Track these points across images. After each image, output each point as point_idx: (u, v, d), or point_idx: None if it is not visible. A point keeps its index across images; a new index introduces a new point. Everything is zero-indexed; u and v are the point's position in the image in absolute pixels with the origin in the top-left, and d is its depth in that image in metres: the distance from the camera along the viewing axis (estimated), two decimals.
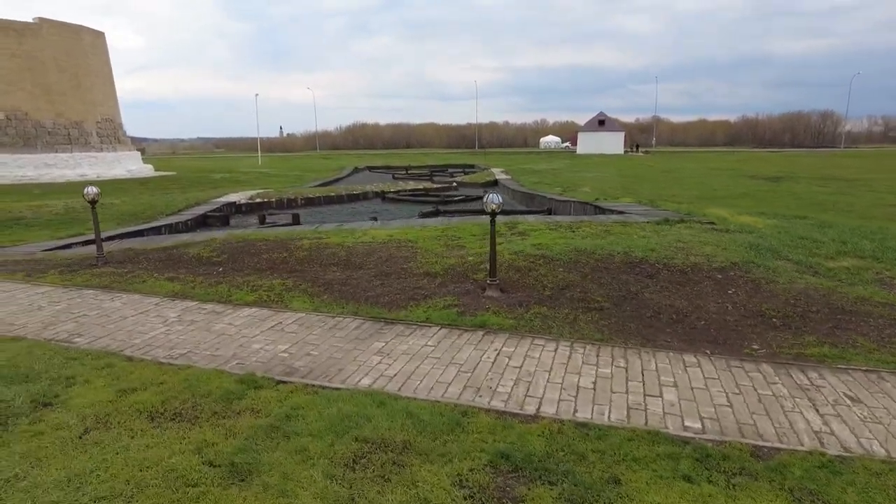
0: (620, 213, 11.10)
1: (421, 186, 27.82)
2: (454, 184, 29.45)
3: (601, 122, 72.55)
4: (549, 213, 15.61)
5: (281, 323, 5.51)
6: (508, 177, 30.87)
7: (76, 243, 11.45)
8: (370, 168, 47.07)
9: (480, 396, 3.99)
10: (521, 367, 4.48)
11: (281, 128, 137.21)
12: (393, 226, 10.05)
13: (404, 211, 20.03)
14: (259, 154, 56.83)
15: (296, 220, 15.86)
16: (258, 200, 19.74)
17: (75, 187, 24.92)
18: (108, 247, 9.37)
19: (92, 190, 7.89)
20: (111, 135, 31.55)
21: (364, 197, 24.07)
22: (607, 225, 9.35)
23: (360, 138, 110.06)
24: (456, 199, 22.72)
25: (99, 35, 32.11)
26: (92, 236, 12.34)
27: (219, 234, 9.87)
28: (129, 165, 31.39)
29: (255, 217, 17.75)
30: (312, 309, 5.90)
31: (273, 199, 20.20)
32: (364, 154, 79.90)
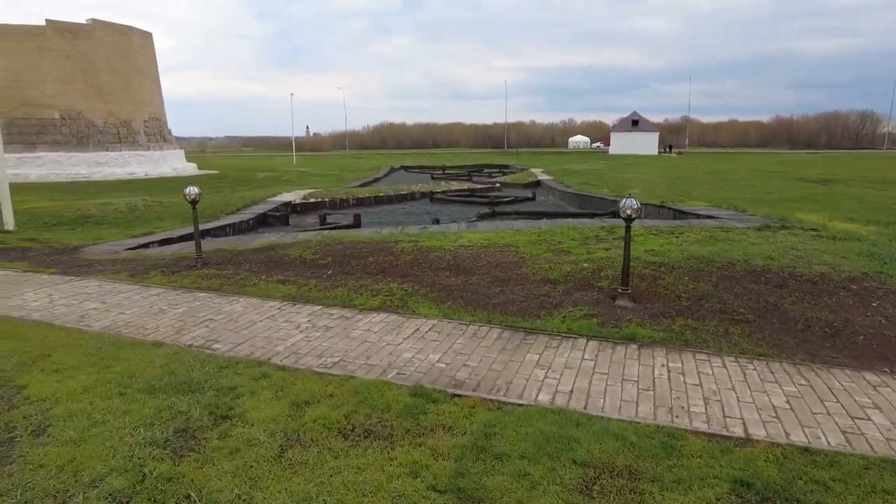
0: (710, 217, 10.73)
1: (465, 187, 27.62)
2: (497, 184, 29.19)
3: (635, 123, 71.53)
4: (615, 216, 15.27)
5: (419, 330, 5.33)
6: (550, 177, 30.50)
7: (152, 242, 11.47)
8: (405, 168, 47.01)
9: (677, 417, 3.75)
10: (700, 385, 4.22)
11: (307, 127, 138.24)
12: (481, 229, 9.85)
13: (456, 212, 19.84)
14: (294, 153, 57.18)
15: (357, 221, 15.77)
16: (312, 200, 19.74)
17: (126, 185, 25.25)
18: (189, 247, 9.28)
19: (193, 190, 7.83)
20: (157, 133, 31.95)
21: (412, 197, 23.95)
22: (709, 230, 9.03)
23: (387, 138, 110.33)
24: (506, 199, 22.46)
25: (147, 35, 32.55)
26: (165, 235, 12.45)
27: (310, 235, 9.77)
28: (175, 164, 31.76)
29: (312, 217, 17.74)
30: (442, 315, 5.72)
31: (326, 199, 20.19)
32: (393, 153, 80.00)
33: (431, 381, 4.27)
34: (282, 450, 3.33)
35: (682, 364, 4.60)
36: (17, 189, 18.50)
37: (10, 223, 12.08)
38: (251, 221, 15.50)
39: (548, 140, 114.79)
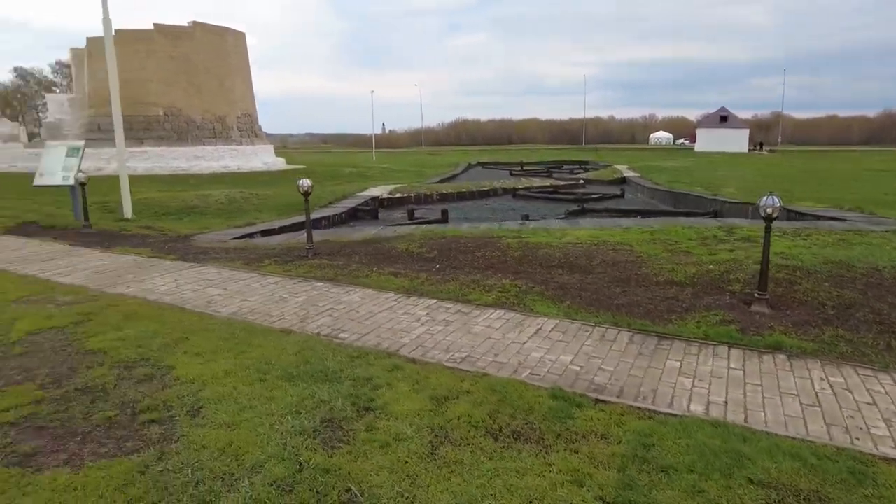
0: (834, 219, 9.90)
1: (548, 183, 27.12)
2: (581, 181, 28.47)
3: (723, 118, 67.78)
4: (716, 216, 14.45)
5: (542, 329, 5.16)
6: (637, 174, 29.42)
7: (255, 233, 11.91)
8: (482, 164, 46.81)
9: (857, 439, 3.37)
10: (875, 404, 3.80)
11: (384, 124, 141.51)
12: (585, 226, 9.54)
13: (542, 209, 19.45)
14: (374, 150, 58.41)
15: (444, 217, 15.77)
16: (398, 195, 19.98)
17: (221, 178, 26.56)
18: (292, 238, 9.52)
19: (306, 183, 8.02)
20: (249, 129, 33.47)
21: (494, 193, 23.74)
22: (839, 233, 8.30)
23: (462, 134, 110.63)
24: (594, 196, 21.84)
25: (240, 35, 34.13)
26: (265, 226, 12.91)
27: (409, 229, 9.84)
28: (265, 158, 33.14)
29: (399, 211, 17.93)
30: (563, 315, 5.51)
31: (412, 195, 20.38)
32: (468, 150, 79.99)
33: (569, 384, 4.09)
34: (433, 447, 3.25)
35: (845, 379, 4.17)
36: (129, 181, 19.89)
37: (129, 212, 12.95)
38: (343, 215, 15.86)
39: (627, 136, 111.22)
